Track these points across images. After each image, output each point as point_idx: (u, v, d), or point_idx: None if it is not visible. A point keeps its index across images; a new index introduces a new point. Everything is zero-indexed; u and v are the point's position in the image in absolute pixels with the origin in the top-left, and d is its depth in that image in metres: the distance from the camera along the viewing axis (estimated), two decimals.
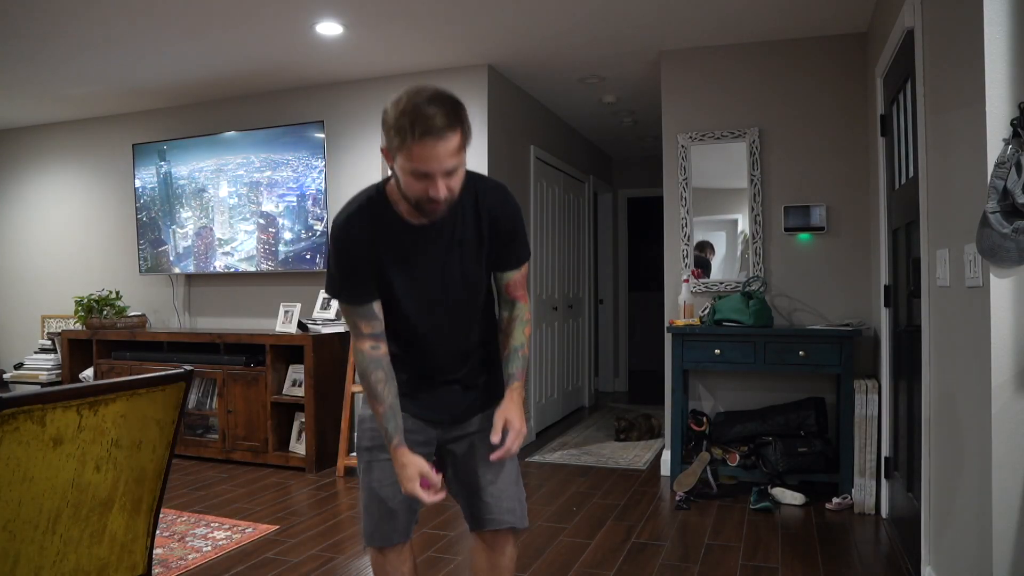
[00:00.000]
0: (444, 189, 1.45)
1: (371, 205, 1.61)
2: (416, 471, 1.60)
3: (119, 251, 5.59)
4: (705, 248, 4.24)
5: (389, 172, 1.58)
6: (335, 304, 4.70)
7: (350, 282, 1.61)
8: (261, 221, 4.95)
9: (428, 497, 1.60)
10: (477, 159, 4.49)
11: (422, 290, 1.65)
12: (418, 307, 1.66)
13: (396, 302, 1.65)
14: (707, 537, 3.20)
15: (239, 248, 5.03)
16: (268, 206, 4.90)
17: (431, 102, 1.40)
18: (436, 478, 1.62)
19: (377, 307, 1.64)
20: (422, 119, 1.38)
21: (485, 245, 1.66)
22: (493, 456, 1.63)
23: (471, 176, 1.62)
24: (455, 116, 1.42)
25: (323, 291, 4.77)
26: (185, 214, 5.20)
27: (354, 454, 4.42)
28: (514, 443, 1.63)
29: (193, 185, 5.14)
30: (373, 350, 1.64)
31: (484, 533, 1.75)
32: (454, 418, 1.77)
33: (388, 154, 1.49)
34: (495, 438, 1.62)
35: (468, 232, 1.64)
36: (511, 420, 1.65)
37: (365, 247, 1.60)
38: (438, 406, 1.76)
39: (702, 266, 4.23)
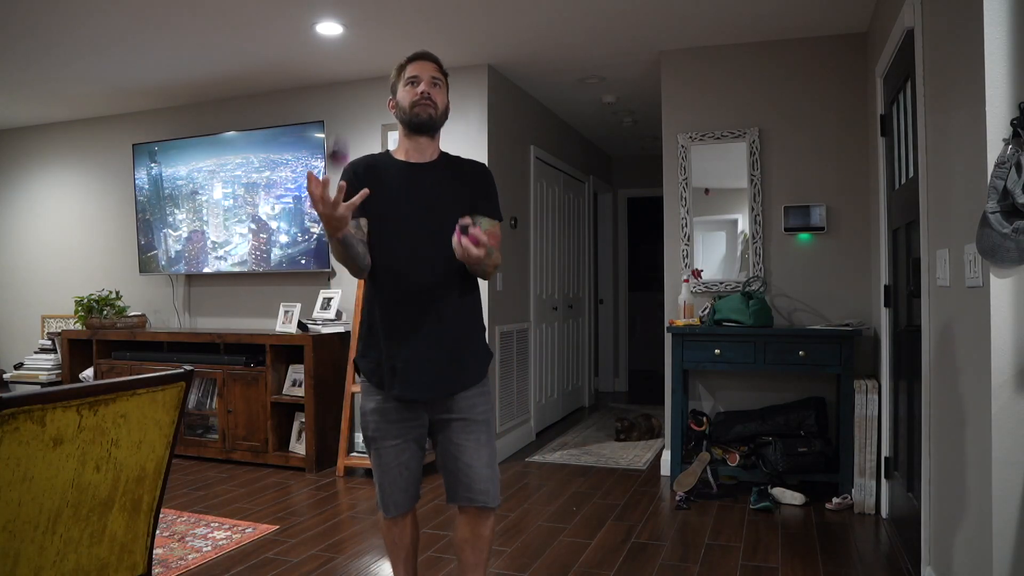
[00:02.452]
0: (429, 85, 2.00)
1: (379, 156, 2.09)
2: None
3: (119, 251, 5.59)
4: None
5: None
6: (335, 304, 4.69)
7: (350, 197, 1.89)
8: (253, 226, 4.94)
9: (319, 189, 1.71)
10: (477, 159, 4.49)
11: (412, 215, 1.98)
12: (410, 233, 1.97)
13: (392, 224, 1.96)
14: (707, 537, 3.20)
15: (232, 252, 5.02)
16: (264, 208, 4.90)
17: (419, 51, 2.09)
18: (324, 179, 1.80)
19: (364, 222, 1.98)
20: (414, 54, 2.06)
21: (466, 190, 2.06)
22: (468, 237, 1.78)
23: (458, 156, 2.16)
24: (433, 57, 2.08)
25: (321, 291, 4.77)
26: (178, 216, 5.19)
27: (354, 454, 4.42)
28: (471, 247, 1.77)
29: (189, 186, 5.13)
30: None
31: (460, 507, 2.06)
32: (438, 389, 1.98)
33: (392, 102, 2.06)
34: (465, 220, 1.83)
35: (453, 178, 2.06)
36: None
37: (368, 174, 1.99)
38: (423, 376, 1.95)
39: None
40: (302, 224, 4.79)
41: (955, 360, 2.17)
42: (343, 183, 1.77)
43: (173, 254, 5.22)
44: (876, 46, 3.57)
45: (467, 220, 1.81)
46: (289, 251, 4.84)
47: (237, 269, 5.00)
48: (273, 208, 4.87)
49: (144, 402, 1.67)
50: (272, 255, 4.89)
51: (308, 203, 4.76)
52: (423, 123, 2.00)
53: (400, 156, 2.06)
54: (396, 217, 1.96)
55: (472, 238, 1.76)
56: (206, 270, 5.11)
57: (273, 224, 4.88)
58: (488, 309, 4.44)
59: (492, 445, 2.05)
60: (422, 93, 1.98)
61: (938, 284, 2.36)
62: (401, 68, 2.05)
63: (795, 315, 4.05)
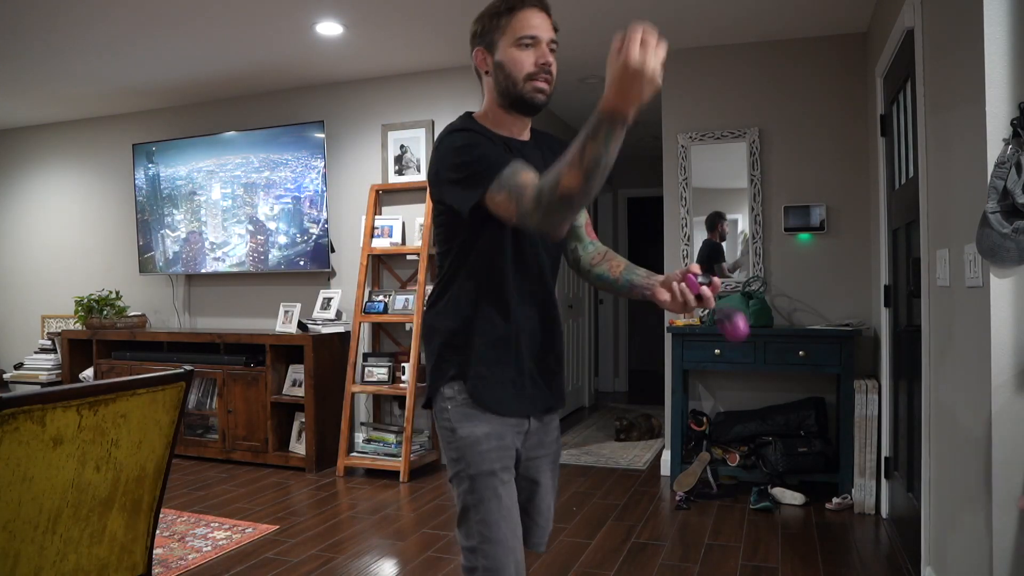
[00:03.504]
0: (549, 52, 1.49)
1: (470, 126, 1.54)
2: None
3: (119, 251, 5.59)
4: (717, 223, 4.21)
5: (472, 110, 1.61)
6: (335, 304, 4.69)
7: (487, 152, 1.44)
8: (251, 227, 4.93)
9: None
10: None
11: None
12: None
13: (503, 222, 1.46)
14: (707, 537, 3.20)
15: (231, 253, 5.02)
16: (264, 208, 4.89)
17: None
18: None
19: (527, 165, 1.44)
20: None
21: None
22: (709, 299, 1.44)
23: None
24: (547, 6, 1.54)
25: (321, 291, 4.77)
26: (176, 217, 5.19)
27: (354, 454, 4.41)
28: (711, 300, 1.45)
29: (187, 187, 5.13)
30: (535, 176, 1.39)
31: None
32: (560, 402, 1.65)
33: (484, 54, 1.54)
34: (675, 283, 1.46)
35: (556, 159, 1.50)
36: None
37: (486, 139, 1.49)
38: (550, 389, 1.62)
39: (712, 253, 4.21)
40: (301, 225, 4.79)
41: (955, 360, 2.17)
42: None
43: (171, 255, 5.22)
44: (876, 46, 3.57)
45: (696, 268, 1.43)
46: (287, 252, 4.84)
47: (235, 270, 5.01)
48: (272, 209, 4.87)
49: (144, 402, 1.67)
50: (270, 256, 4.89)
51: (307, 203, 4.76)
52: (536, 107, 1.53)
53: (497, 129, 1.58)
54: None
55: (715, 288, 1.43)
56: (202, 271, 5.12)
57: (271, 225, 4.88)
58: None
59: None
60: (544, 65, 1.49)
61: (938, 284, 2.36)
62: (507, 14, 1.50)
63: (795, 315, 4.05)
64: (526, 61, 1.49)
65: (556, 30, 1.55)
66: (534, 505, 1.65)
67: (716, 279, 1.43)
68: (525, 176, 1.37)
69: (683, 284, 1.42)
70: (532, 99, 1.51)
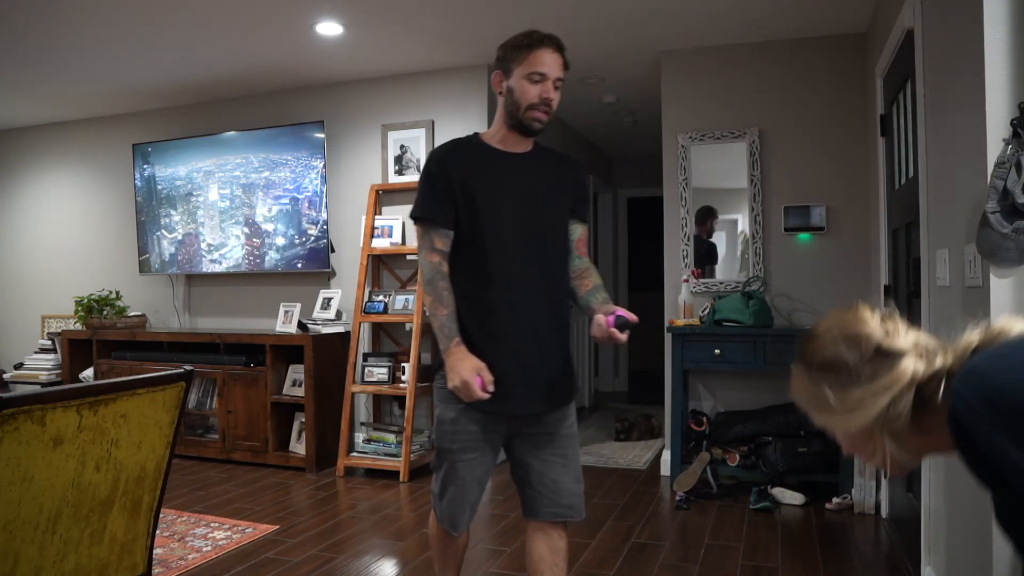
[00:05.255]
0: (553, 90, 1.79)
1: (467, 140, 1.91)
2: (474, 366, 1.73)
3: (119, 251, 5.59)
4: (707, 219, 4.19)
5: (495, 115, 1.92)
6: (335, 304, 4.69)
7: (435, 199, 1.81)
8: (247, 230, 4.93)
9: (479, 392, 1.71)
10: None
11: (514, 211, 1.82)
12: (512, 230, 1.81)
13: (489, 219, 1.79)
14: (707, 537, 3.20)
15: (228, 255, 5.01)
16: (262, 209, 4.89)
17: (548, 35, 1.85)
18: (489, 377, 1.73)
19: (450, 233, 1.83)
20: (543, 37, 1.82)
21: (566, 191, 1.92)
22: (622, 337, 1.72)
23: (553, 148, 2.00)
24: (562, 46, 1.84)
25: (321, 291, 4.77)
26: (173, 218, 5.18)
27: (354, 454, 4.41)
28: (620, 338, 1.72)
29: (186, 187, 5.12)
30: (440, 265, 1.82)
31: (539, 522, 1.90)
32: (542, 404, 1.84)
33: (501, 76, 1.84)
34: (609, 321, 1.71)
35: (551, 173, 1.91)
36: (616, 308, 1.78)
37: (458, 170, 1.81)
38: (528, 389, 1.82)
39: (708, 254, 4.20)
40: (299, 226, 4.78)
41: None
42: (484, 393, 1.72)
43: (167, 257, 5.22)
44: (876, 46, 3.57)
45: (628, 317, 1.72)
46: (285, 254, 4.83)
47: (232, 271, 5.01)
48: (271, 210, 4.87)
49: (144, 402, 1.67)
50: (267, 258, 4.88)
51: (306, 204, 4.76)
52: (532, 132, 1.84)
53: (494, 142, 1.89)
54: (492, 210, 1.79)
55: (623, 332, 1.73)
56: (202, 272, 5.12)
57: (269, 226, 4.87)
58: None
59: (579, 458, 1.92)
60: (545, 99, 1.79)
61: (938, 284, 2.36)
62: (525, 49, 1.80)
63: (795, 315, 4.05)
64: (531, 93, 1.78)
65: (567, 67, 1.83)
66: (536, 476, 1.87)
67: (627, 326, 1.72)
68: (438, 242, 1.82)
69: (604, 319, 1.73)
70: (529, 125, 1.82)
